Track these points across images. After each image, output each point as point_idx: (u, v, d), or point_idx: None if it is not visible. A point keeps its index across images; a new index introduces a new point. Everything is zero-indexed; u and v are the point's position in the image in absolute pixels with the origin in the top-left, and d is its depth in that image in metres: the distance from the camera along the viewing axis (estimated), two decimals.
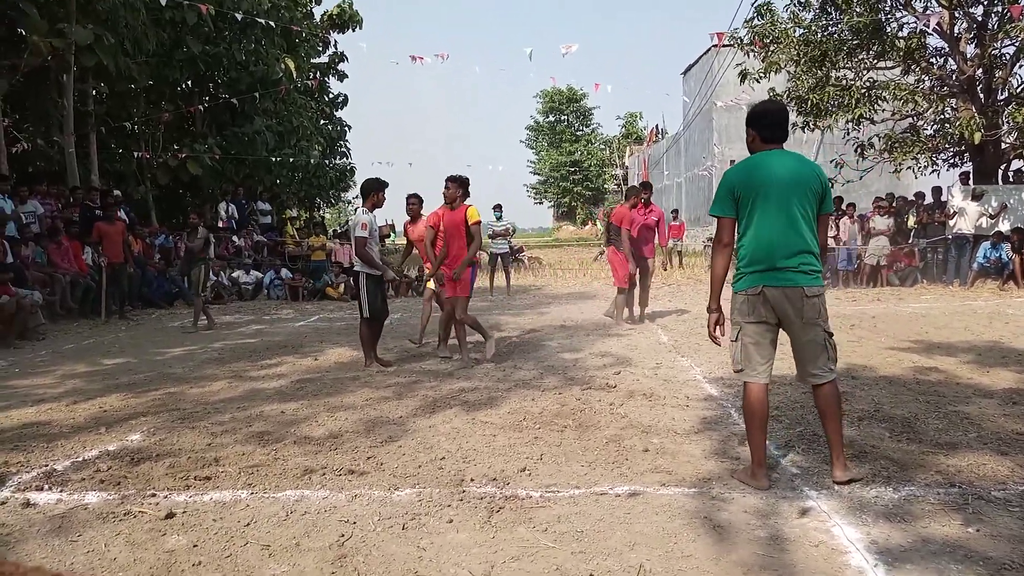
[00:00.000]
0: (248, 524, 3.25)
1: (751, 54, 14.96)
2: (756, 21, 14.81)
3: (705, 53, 27.06)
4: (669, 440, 4.37)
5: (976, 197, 13.83)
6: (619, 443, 4.30)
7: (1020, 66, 13.67)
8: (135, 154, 17.28)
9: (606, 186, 59.55)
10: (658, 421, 4.79)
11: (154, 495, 3.63)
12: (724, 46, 16.11)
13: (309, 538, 3.09)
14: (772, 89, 15.17)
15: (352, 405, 5.39)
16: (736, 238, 3.64)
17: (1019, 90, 13.88)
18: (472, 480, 3.73)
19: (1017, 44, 13.06)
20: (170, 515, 3.34)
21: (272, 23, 17.97)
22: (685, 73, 32.02)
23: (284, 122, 20.74)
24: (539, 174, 64.69)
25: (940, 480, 3.57)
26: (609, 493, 3.53)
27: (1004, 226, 13.78)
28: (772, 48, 14.48)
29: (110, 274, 11.34)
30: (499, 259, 14.97)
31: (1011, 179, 15.46)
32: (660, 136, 41.75)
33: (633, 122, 61.78)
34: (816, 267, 3.50)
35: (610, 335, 8.67)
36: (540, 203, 66.95)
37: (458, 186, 6.99)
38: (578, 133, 64.30)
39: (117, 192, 15.49)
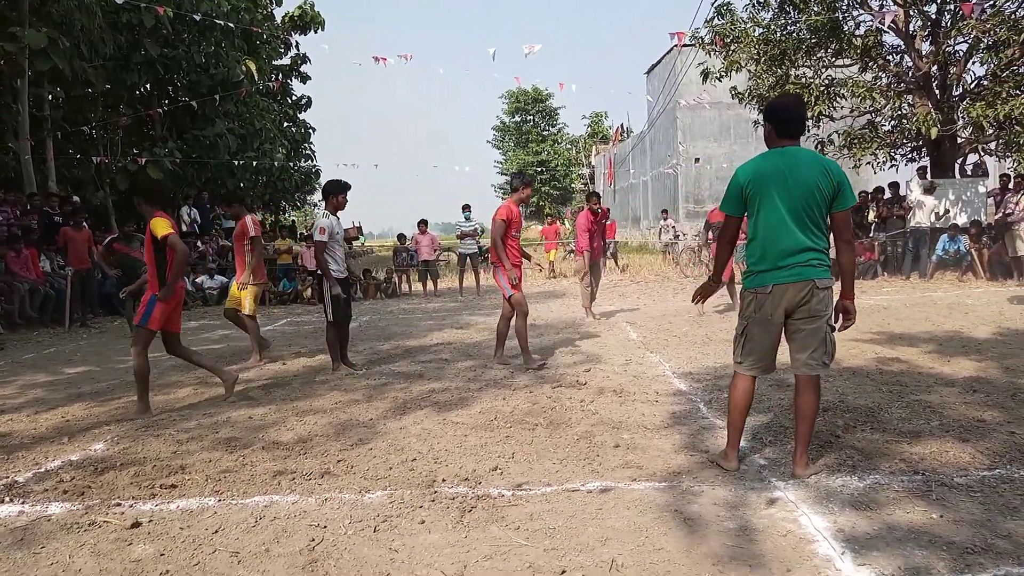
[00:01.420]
0: (216, 531, 3.20)
1: (712, 53, 15.14)
2: (716, 21, 14.99)
3: (667, 53, 27.31)
4: (639, 435, 4.40)
5: (928, 191, 14.19)
6: (590, 439, 4.32)
7: (973, 62, 14.01)
8: (93, 159, 16.91)
9: (573, 185, 59.80)
10: (628, 417, 4.82)
11: (119, 504, 3.55)
12: (685, 46, 16.30)
13: (279, 543, 3.06)
14: (734, 88, 15.40)
15: (321, 409, 5.34)
16: (748, 234, 3.65)
17: (973, 86, 14.23)
18: (444, 480, 3.72)
19: (970, 41, 13.40)
20: (136, 524, 3.27)
21: (232, 25, 17.73)
22: (648, 72, 32.27)
23: (246, 125, 20.47)
24: (506, 174, 64.69)
25: (904, 468, 3.64)
26: (581, 489, 3.54)
27: (961, 219, 14.15)
28: (733, 47, 14.68)
29: (76, 282, 11.08)
30: (468, 259, 14.95)
31: (967, 173, 15.86)
32: (625, 135, 42.05)
33: (599, 121, 62.14)
34: (825, 261, 3.51)
35: (579, 333, 8.71)
36: None
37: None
38: (544, 133, 64.47)
39: (76, 198, 15.15)
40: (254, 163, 20.06)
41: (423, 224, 15.31)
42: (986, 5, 12.70)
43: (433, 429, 4.67)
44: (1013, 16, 12.53)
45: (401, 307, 13.11)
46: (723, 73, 14.79)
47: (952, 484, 3.40)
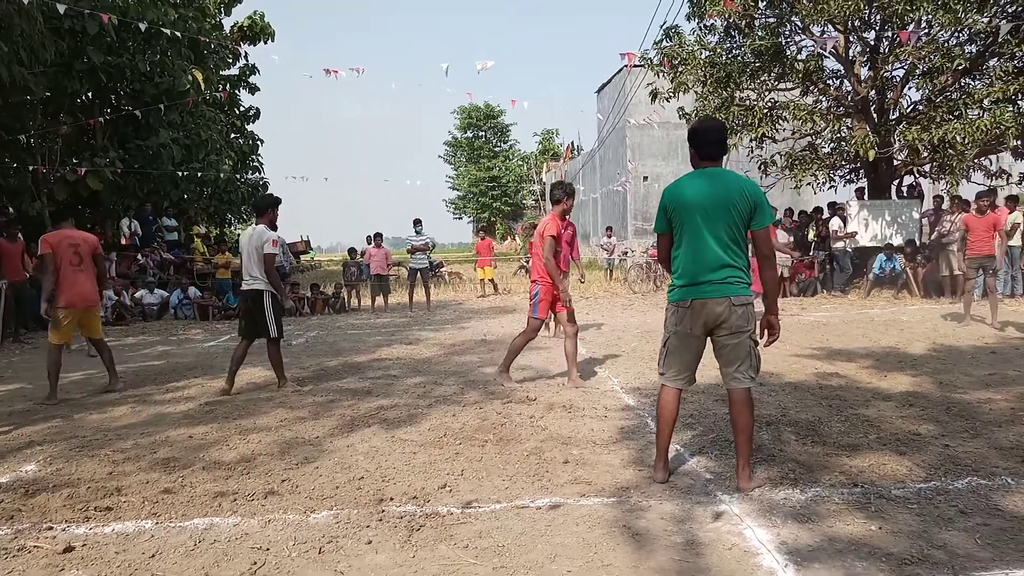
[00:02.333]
0: (153, 556, 3.09)
1: (661, 75, 15.46)
2: (665, 43, 15.33)
3: (618, 72, 27.79)
4: (588, 451, 4.42)
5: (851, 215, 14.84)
6: (540, 456, 4.33)
7: (909, 88, 14.63)
8: (30, 168, 16.29)
9: (524, 201, 60.15)
10: (577, 432, 4.84)
11: (51, 528, 3.40)
12: (635, 66, 16.59)
13: (219, 567, 2.96)
14: (681, 108, 15.74)
15: (266, 427, 5.22)
16: (673, 251, 3.76)
17: (909, 110, 14.84)
18: (392, 499, 3.67)
19: (906, 67, 13.98)
20: (69, 549, 3.14)
21: (178, 34, 17.35)
22: (599, 91, 32.78)
23: (192, 135, 20.00)
24: (458, 189, 64.77)
25: (844, 480, 3.74)
26: (530, 506, 3.54)
27: (897, 239, 14.69)
28: (680, 69, 15.01)
29: (10, 295, 10.63)
30: (418, 274, 14.86)
31: (903, 194, 16.49)
32: (576, 153, 42.53)
33: (550, 138, 62.77)
34: (743, 279, 3.62)
35: (530, 349, 8.71)
36: (459, 218, 67.00)
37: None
38: (496, 149, 64.76)
39: (11, 209, 14.56)
40: (199, 174, 19.60)
41: (377, 237, 15.16)
42: (921, 33, 13.29)
43: (381, 447, 4.61)
44: (946, 44, 13.13)
45: (350, 322, 12.95)
46: (671, 94, 15.10)
47: (890, 496, 3.50)
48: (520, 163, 63.13)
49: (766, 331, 3.70)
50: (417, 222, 15.16)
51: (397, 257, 19.55)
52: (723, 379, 3.75)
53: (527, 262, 16.73)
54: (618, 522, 3.30)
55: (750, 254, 3.71)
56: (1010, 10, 12.37)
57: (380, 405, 5.80)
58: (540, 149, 62.25)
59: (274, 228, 6.74)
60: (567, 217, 9.54)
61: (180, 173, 18.79)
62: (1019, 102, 13.15)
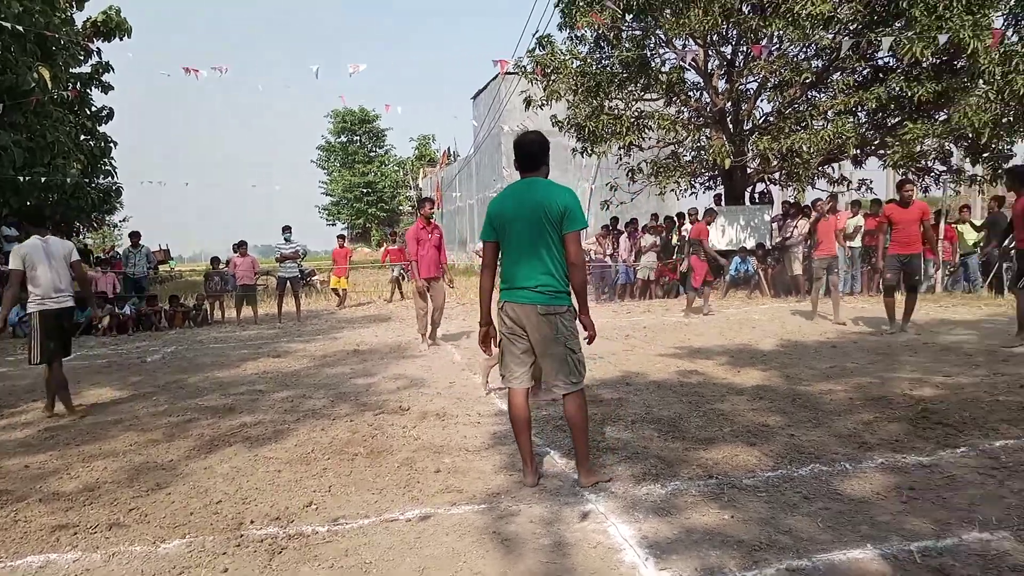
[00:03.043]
0: None
1: (534, 82, 15.75)
2: (538, 51, 15.63)
3: (493, 79, 28.09)
4: (460, 458, 4.40)
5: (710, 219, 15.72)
6: (411, 466, 4.27)
7: (761, 100, 15.64)
8: None
9: (401, 207, 59.58)
10: (450, 440, 4.81)
11: None
12: (508, 73, 16.82)
13: None
14: (555, 116, 16.10)
15: (113, 452, 4.84)
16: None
17: (761, 121, 15.87)
18: (252, 522, 3.49)
19: (759, 80, 14.95)
20: None
21: (22, 28, 15.88)
22: (475, 98, 33.00)
23: (36, 137, 18.35)
24: (332, 195, 63.28)
25: (700, 473, 3.92)
26: (400, 519, 3.47)
27: (751, 242, 15.69)
28: (553, 78, 15.36)
29: None
30: (288, 283, 14.31)
31: (756, 200, 17.63)
32: (452, 159, 42.60)
33: (426, 144, 62.57)
34: (556, 288, 3.71)
35: (404, 357, 8.61)
36: (333, 224, 65.43)
37: None
38: (371, 154, 63.83)
39: None
40: (43, 179, 18.00)
41: (242, 246, 14.46)
42: (773, 48, 14.26)
43: (243, 467, 4.39)
44: (795, 59, 14.17)
45: (213, 336, 12.28)
46: (544, 101, 15.42)
47: (741, 486, 3.70)
48: (396, 168, 62.51)
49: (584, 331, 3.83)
50: (287, 229, 14.61)
51: (266, 266, 18.77)
52: (547, 388, 3.89)
53: (405, 269, 16.52)
54: (488, 529, 3.31)
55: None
56: (852, 28, 13.51)
57: (243, 422, 5.53)
58: (416, 154, 61.89)
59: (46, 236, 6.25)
60: (432, 221, 9.51)
61: (21, 178, 17.18)
62: (858, 114, 14.41)
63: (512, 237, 3.77)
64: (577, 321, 3.79)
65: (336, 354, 9.17)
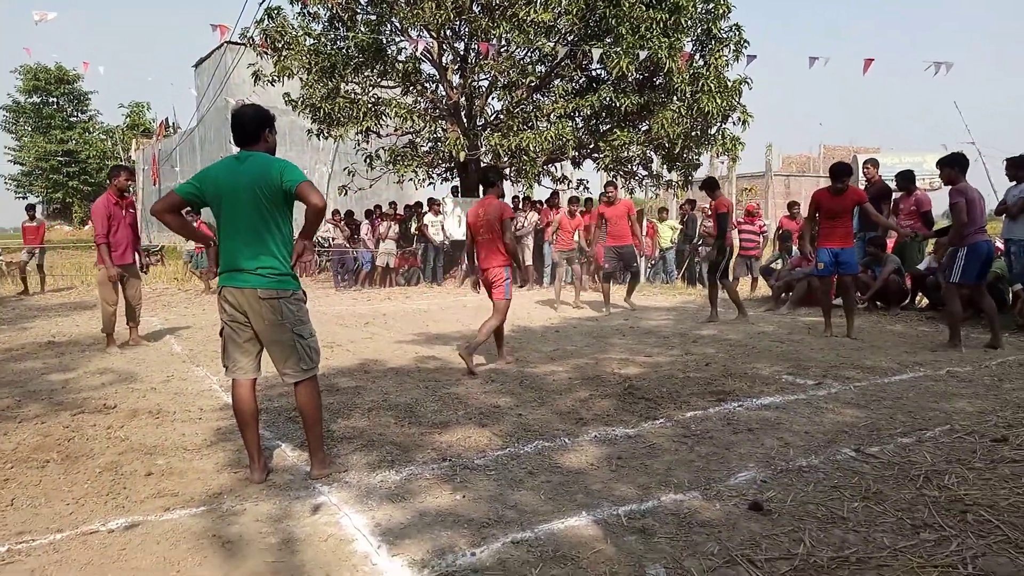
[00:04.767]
0: None
1: (262, 56, 14.87)
2: (268, 23, 14.77)
3: (218, 47, 25.99)
4: (177, 459, 4.01)
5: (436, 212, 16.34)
6: (116, 471, 3.80)
7: (493, 98, 16.33)
8: None
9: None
10: (165, 439, 4.37)
11: None
12: (231, 43, 15.66)
13: None
14: (287, 94, 15.34)
15: None
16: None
17: (492, 118, 16.58)
18: None
19: (490, 78, 15.59)
20: None
21: None
22: (197, 66, 30.29)
23: None
24: (22, 163, 54.36)
25: (435, 456, 4.00)
26: (101, 530, 3.07)
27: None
28: (285, 53, 14.62)
29: None
30: None
31: None
32: (172, 130, 38.73)
33: (140, 112, 56.21)
34: (280, 271, 3.54)
35: (110, 350, 7.64)
36: (24, 198, 56.23)
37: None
38: (72, 119, 55.83)
39: None
40: None
41: None
42: (500, 49, 14.94)
43: None
44: (522, 62, 14.99)
45: None
46: (276, 77, 14.63)
47: (473, 466, 3.84)
48: (103, 137, 55.36)
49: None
50: None
51: None
52: (279, 375, 3.71)
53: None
54: (207, 532, 3.05)
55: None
56: (569, 38, 14.63)
57: None
58: (128, 123, 55.34)
59: None
60: (128, 195, 8.15)
61: None
62: (576, 119, 15.68)
63: (225, 215, 3.49)
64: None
65: (26, 346, 7.88)
